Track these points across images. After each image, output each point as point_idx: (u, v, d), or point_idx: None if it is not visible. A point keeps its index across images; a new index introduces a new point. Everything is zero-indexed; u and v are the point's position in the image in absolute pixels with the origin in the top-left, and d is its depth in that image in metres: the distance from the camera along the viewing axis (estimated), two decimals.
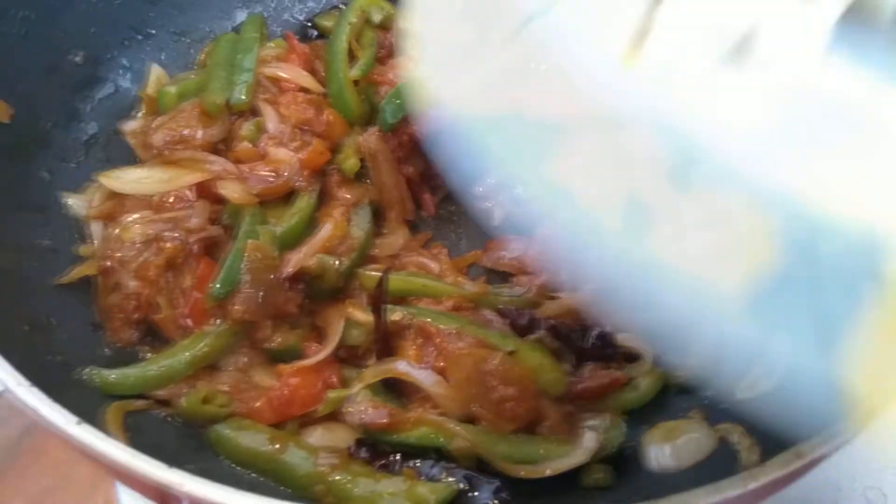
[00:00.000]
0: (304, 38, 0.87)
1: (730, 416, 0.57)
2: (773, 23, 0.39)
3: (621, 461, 0.58)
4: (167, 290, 0.62)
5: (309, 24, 0.89)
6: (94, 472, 1.10)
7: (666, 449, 0.55)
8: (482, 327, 0.63)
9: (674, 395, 0.62)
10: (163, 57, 0.82)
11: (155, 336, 0.63)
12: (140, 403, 0.57)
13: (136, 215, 0.65)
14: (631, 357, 0.63)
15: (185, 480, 0.37)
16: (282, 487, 0.55)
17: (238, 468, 0.56)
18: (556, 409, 0.59)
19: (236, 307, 0.60)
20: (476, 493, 0.54)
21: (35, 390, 0.42)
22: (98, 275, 0.63)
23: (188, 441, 0.57)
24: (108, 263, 0.63)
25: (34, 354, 0.53)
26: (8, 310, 0.55)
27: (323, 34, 0.87)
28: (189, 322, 0.61)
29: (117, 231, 0.64)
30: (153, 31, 0.81)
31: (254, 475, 0.56)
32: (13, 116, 0.66)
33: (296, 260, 0.64)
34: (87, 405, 0.49)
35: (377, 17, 0.84)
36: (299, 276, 0.64)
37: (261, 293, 0.61)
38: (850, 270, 0.36)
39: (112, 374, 0.57)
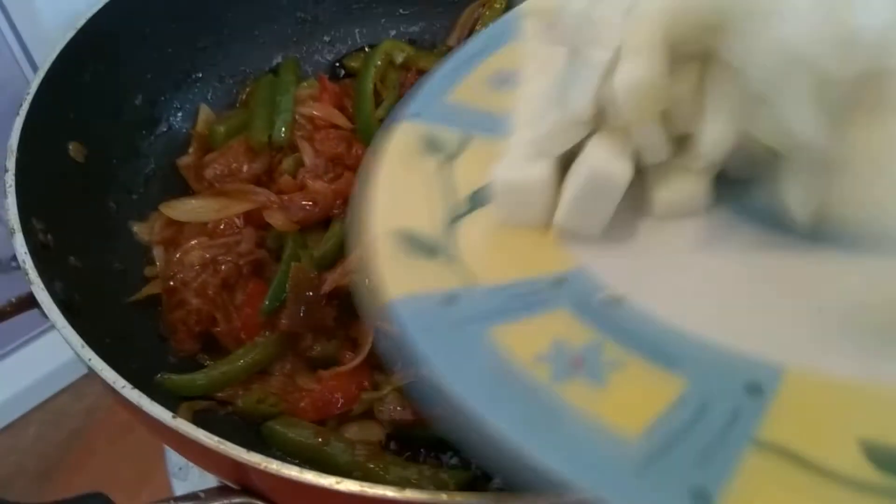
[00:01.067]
0: (334, 77, 0.97)
1: None
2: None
3: None
4: (223, 306, 0.72)
5: (338, 64, 0.99)
6: (140, 470, 1.21)
7: None
8: None
9: None
10: (209, 97, 0.92)
11: (213, 346, 0.72)
12: (205, 404, 0.67)
13: (194, 241, 0.75)
14: None
15: (262, 460, 0.47)
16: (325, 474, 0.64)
17: (288, 458, 0.65)
18: None
19: (283, 321, 0.70)
20: (490, 480, 0.64)
21: (137, 392, 0.52)
22: (163, 293, 0.74)
23: (245, 435, 0.66)
24: (172, 283, 0.73)
25: (116, 362, 0.62)
26: (94, 324, 0.65)
27: (350, 74, 0.97)
28: (243, 334, 0.71)
29: (178, 255, 0.74)
30: (201, 75, 0.92)
31: (301, 464, 0.65)
32: (87, 156, 0.77)
33: (332, 279, 0.72)
34: (163, 404, 0.59)
35: (399, 59, 0.94)
36: (335, 293, 0.72)
37: (302, 308, 0.70)
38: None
39: (181, 379, 0.67)
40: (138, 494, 1.20)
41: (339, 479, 0.46)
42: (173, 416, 0.51)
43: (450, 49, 0.99)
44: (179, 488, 0.85)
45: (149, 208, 0.80)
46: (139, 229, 0.78)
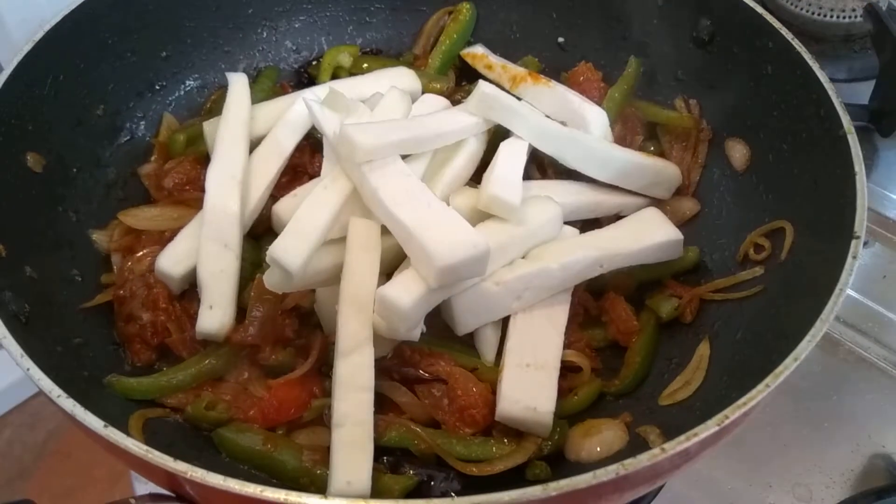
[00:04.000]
0: (299, 84, 0.98)
1: (651, 420, 0.67)
2: None
3: (559, 456, 0.68)
4: (176, 316, 0.73)
5: (303, 71, 1.00)
6: (113, 472, 1.22)
7: (583, 444, 0.66)
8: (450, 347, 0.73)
9: (608, 402, 0.73)
10: (172, 106, 0.93)
11: (171, 355, 0.73)
12: (158, 411, 0.68)
13: (146, 249, 0.76)
14: (573, 369, 0.73)
15: (188, 469, 0.48)
16: (274, 479, 0.65)
17: (238, 464, 0.66)
18: None
19: (247, 335, 0.70)
20: (433, 483, 0.65)
21: (72, 401, 0.53)
22: (114, 301, 0.74)
23: (197, 441, 0.68)
24: (122, 292, 0.74)
25: (67, 370, 0.63)
26: (44, 333, 0.66)
27: (314, 81, 0.98)
28: (196, 343, 0.72)
29: (129, 263, 0.75)
30: (164, 83, 0.92)
31: (251, 470, 0.66)
32: (45, 166, 0.77)
33: (293, 296, 0.73)
34: (112, 412, 0.60)
35: (347, 62, 0.95)
36: (294, 309, 0.73)
37: (266, 323, 0.71)
38: None
39: (129, 381, 0.68)
40: (111, 495, 1.21)
41: (263, 487, 0.47)
42: (105, 426, 0.52)
43: (416, 57, 1.00)
44: (141, 490, 0.86)
45: (109, 217, 0.81)
46: (98, 237, 0.79)
